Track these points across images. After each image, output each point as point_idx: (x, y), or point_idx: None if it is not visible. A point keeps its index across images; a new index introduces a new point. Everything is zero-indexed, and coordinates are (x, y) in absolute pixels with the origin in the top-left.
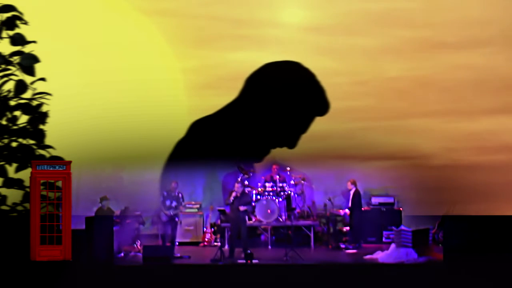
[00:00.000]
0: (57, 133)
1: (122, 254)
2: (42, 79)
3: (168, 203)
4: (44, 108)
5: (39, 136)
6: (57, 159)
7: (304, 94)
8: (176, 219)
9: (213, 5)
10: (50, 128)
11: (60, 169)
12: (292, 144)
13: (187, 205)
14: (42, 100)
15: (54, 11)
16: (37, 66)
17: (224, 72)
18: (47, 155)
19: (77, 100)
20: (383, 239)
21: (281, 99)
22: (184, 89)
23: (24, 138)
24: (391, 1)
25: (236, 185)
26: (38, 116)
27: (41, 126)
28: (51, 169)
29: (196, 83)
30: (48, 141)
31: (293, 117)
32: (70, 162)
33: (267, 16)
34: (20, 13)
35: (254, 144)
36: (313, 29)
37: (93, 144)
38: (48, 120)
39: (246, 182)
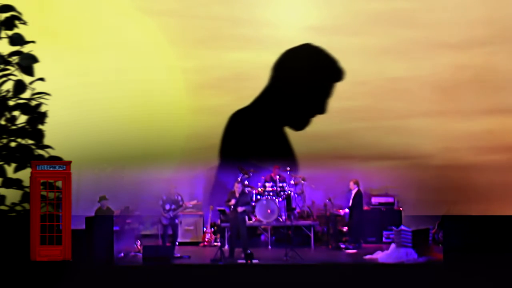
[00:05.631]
0: (58, 134)
1: (122, 254)
2: (41, 79)
3: (167, 206)
4: (43, 108)
5: (38, 136)
6: (56, 159)
7: (321, 67)
8: (176, 221)
9: (213, 5)
10: (50, 128)
11: (60, 169)
12: (322, 110)
13: (187, 205)
14: (41, 100)
15: (53, 11)
16: (36, 66)
17: (224, 72)
18: (46, 155)
19: (77, 100)
20: (383, 239)
21: (303, 75)
22: (184, 89)
23: (23, 138)
24: (391, 1)
25: (236, 185)
26: (37, 116)
27: (40, 126)
28: (51, 169)
29: (196, 83)
30: (48, 141)
31: (316, 87)
32: (70, 162)
33: (267, 16)
34: (19, 13)
35: (293, 116)
36: (313, 29)
37: (93, 144)
38: (49, 120)
39: (246, 182)
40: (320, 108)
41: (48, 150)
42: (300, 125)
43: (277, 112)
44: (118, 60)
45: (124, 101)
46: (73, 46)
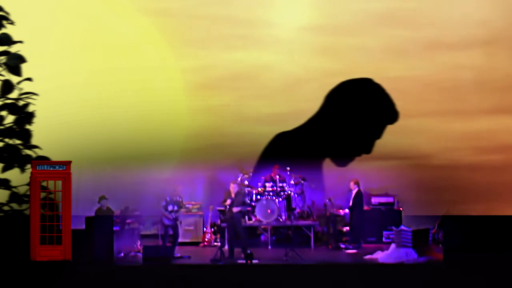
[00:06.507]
0: (58, 134)
1: (122, 254)
2: (29, 79)
3: (170, 207)
4: (30, 108)
5: (26, 136)
6: (43, 159)
7: (376, 106)
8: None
9: (213, 5)
10: (50, 128)
11: (60, 169)
12: (369, 150)
13: (186, 205)
14: (29, 100)
15: (49, 11)
16: (37, 65)
17: (224, 72)
18: (34, 155)
19: (77, 100)
20: (383, 239)
21: (356, 111)
22: (183, 89)
23: (10, 138)
24: (391, 1)
25: (232, 185)
26: (24, 116)
27: (28, 126)
28: (51, 169)
29: (195, 83)
30: (48, 141)
31: (368, 126)
32: (70, 162)
33: (267, 16)
34: (7, 13)
35: (337, 151)
36: (312, 29)
37: (93, 144)
38: (49, 120)
39: (246, 182)
40: (368, 148)
41: (36, 150)
42: (343, 162)
43: (321, 143)
44: (117, 60)
45: (124, 101)
46: (72, 46)
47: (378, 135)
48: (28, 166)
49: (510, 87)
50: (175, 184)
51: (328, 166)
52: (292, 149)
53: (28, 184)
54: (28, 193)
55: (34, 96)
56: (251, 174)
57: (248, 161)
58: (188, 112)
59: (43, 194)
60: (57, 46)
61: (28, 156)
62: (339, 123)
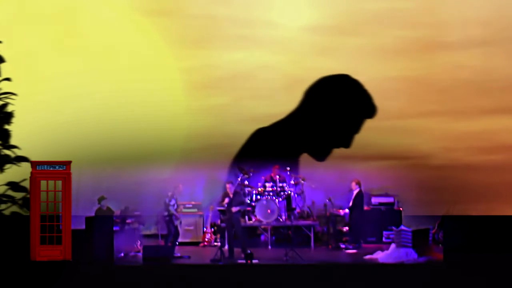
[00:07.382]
0: (58, 134)
1: (122, 254)
2: (7, 79)
3: (176, 207)
4: (9, 108)
5: (4, 136)
6: (22, 159)
7: (354, 101)
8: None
9: (213, 5)
10: (51, 128)
11: (60, 169)
12: (348, 144)
13: (186, 205)
14: (7, 100)
15: (46, 10)
16: (42, 65)
17: (223, 72)
18: (12, 155)
19: (77, 100)
20: (383, 239)
21: (335, 106)
22: (182, 89)
23: None
24: (391, 1)
25: (228, 185)
26: (3, 116)
27: (6, 126)
28: (51, 169)
29: (194, 83)
30: (48, 140)
31: (346, 121)
32: (70, 162)
33: (267, 16)
34: None
35: (317, 146)
36: (312, 29)
37: (93, 144)
38: (50, 120)
39: (246, 182)
40: (347, 142)
41: (14, 150)
42: (321, 155)
43: (300, 137)
44: (116, 60)
45: (123, 101)
46: (72, 46)
47: (357, 129)
48: (7, 166)
49: (510, 87)
50: (177, 183)
51: (328, 165)
52: (270, 145)
53: (6, 184)
54: (6, 193)
55: (29, 97)
56: (251, 174)
57: (247, 161)
58: (187, 112)
59: (22, 195)
60: (56, 46)
61: (7, 156)
62: (318, 118)
